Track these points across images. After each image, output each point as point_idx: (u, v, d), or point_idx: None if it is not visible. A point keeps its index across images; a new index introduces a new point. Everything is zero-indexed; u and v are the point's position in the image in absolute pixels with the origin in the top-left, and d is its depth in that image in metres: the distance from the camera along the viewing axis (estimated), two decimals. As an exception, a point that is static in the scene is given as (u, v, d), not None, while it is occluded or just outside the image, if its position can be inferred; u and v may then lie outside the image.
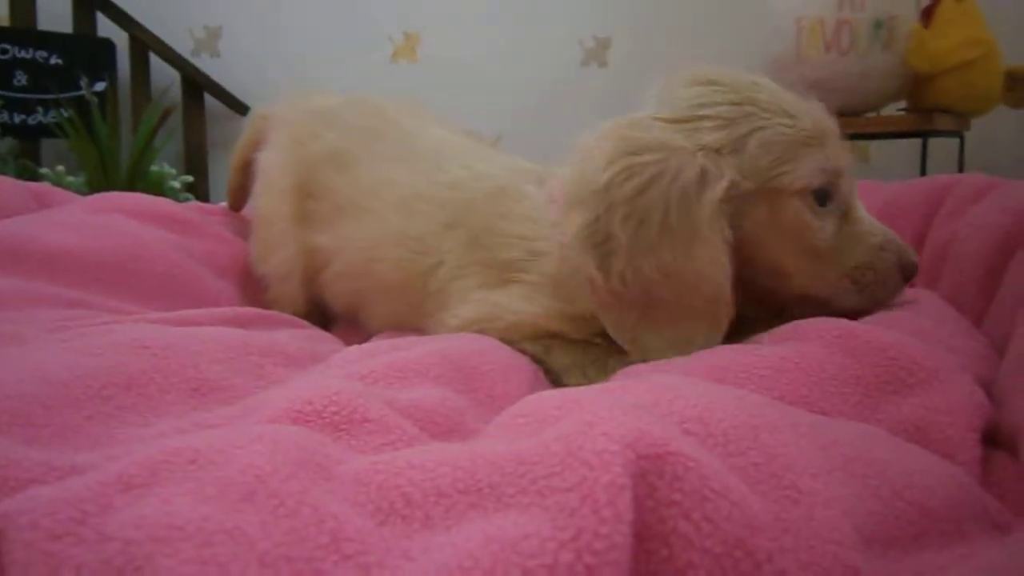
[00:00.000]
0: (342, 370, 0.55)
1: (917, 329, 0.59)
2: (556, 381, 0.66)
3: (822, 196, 0.62)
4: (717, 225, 0.59)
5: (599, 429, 0.33)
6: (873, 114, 1.60)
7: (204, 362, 0.54)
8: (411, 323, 0.78)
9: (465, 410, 0.51)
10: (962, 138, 1.70)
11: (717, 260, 0.59)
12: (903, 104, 1.62)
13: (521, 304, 0.66)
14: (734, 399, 0.40)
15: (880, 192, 1.03)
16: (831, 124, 0.64)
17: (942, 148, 1.77)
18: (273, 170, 0.93)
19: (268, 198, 0.94)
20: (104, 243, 0.87)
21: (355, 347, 0.66)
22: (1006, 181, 0.92)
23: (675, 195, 0.58)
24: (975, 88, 1.47)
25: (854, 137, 1.77)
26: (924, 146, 1.46)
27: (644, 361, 0.58)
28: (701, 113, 0.62)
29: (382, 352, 0.60)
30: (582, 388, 0.44)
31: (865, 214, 0.67)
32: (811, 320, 0.57)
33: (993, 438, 0.47)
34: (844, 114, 1.55)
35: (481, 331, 0.67)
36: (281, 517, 0.30)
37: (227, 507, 0.30)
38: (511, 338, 0.66)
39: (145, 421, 0.47)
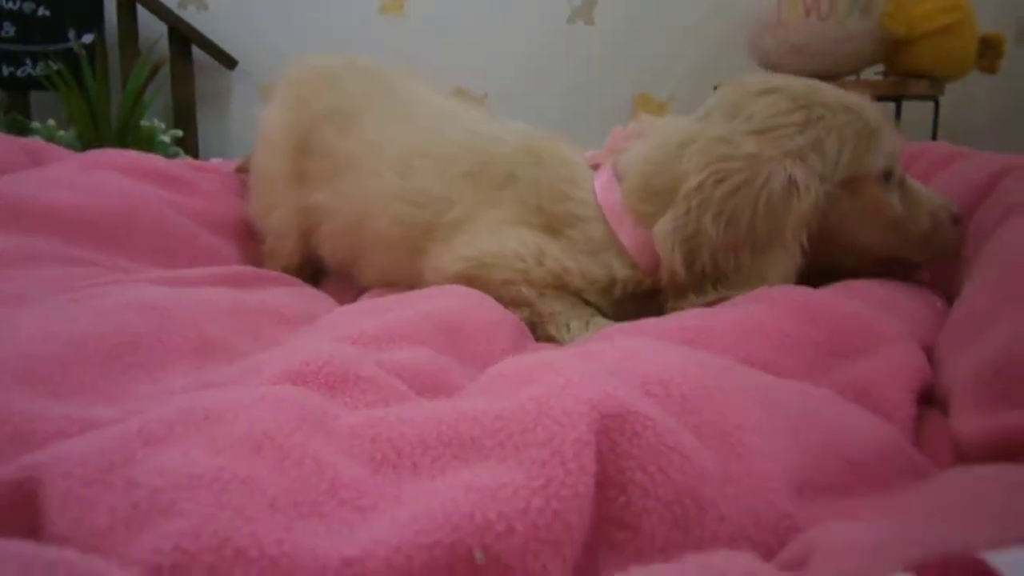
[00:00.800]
0: (334, 332, 0.58)
1: (879, 296, 0.64)
2: (540, 326, 0.71)
3: (888, 175, 0.70)
4: (799, 235, 0.66)
5: (569, 391, 0.37)
6: (852, 78, 1.62)
7: (205, 322, 0.58)
8: (405, 277, 0.80)
9: (450, 368, 0.55)
10: (936, 102, 1.73)
11: (788, 269, 0.66)
12: (880, 68, 1.64)
13: (561, 255, 0.71)
14: (695, 363, 0.44)
15: None
16: (882, 112, 0.72)
17: (917, 111, 1.80)
18: (274, 127, 0.95)
19: (268, 155, 0.96)
20: (99, 201, 0.89)
21: (345, 307, 0.70)
22: (969, 151, 0.95)
23: (763, 200, 0.64)
24: (950, 53, 1.49)
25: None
26: (898, 110, 1.49)
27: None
28: (779, 122, 0.68)
29: (371, 314, 0.63)
30: (557, 351, 0.48)
31: (912, 180, 0.75)
32: (782, 288, 0.62)
33: (930, 398, 0.52)
34: (822, 78, 1.58)
35: (494, 267, 0.71)
36: (287, 467, 0.34)
37: (239, 458, 0.34)
38: (524, 279, 0.71)
39: (153, 378, 0.50)
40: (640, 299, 0.72)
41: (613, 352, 0.45)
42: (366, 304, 0.70)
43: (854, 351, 0.53)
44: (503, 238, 0.72)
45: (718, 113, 0.71)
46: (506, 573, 0.30)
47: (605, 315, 0.72)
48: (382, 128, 0.87)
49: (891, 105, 1.52)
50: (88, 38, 1.96)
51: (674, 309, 0.66)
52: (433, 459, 0.36)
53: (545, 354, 0.48)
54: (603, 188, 0.73)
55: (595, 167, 0.77)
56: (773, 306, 0.58)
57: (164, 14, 2.05)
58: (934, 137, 1.81)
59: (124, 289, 0.63)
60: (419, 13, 2.23)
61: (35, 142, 1.14)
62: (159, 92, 2.05)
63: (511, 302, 0.70)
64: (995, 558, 0.25)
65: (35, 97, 1.99)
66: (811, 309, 0.56)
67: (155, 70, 1.98)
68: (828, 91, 0.71)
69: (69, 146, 1.72)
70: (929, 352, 0.55)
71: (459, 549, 0.30)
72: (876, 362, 0.51)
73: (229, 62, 2.18)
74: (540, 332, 0.71)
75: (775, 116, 0.68)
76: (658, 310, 0.68)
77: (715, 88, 1.71)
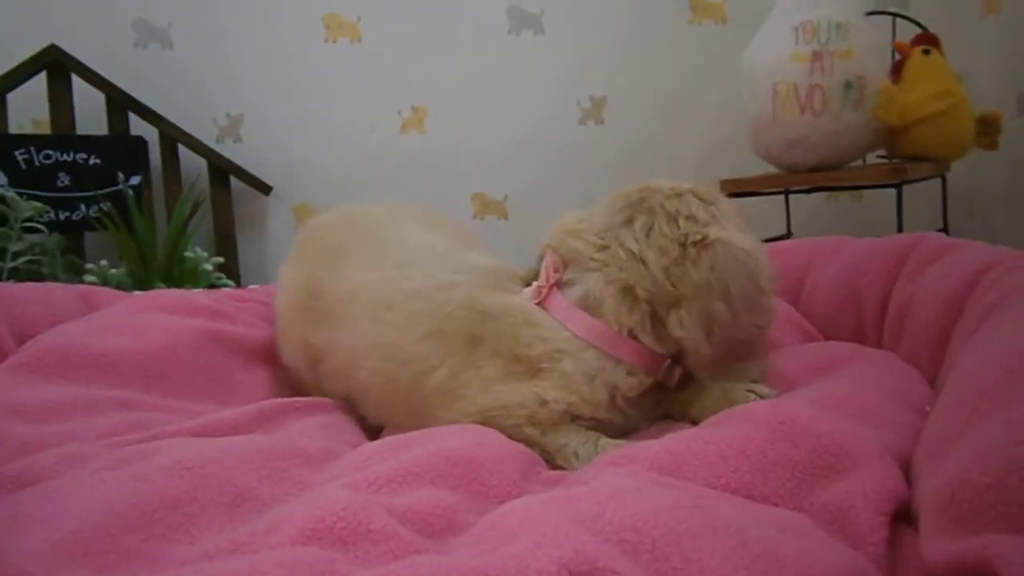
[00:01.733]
0: (351, 477, 0.64)
1: (860, 407, 0.67)
2: (550, 460, 0.75)
3: None
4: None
5: (544, 550, 0.42)
6: (858, 163, 1.67)
7: (237, 475, 0.64)
8: (404, 422, 0.83)
9: (457, 507, 0.59)
10: (944, 179, 1.77)
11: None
12: (883, 151, 1.69)
13: (560, 393, 0.75)
14: (669, 505, 0.48)
15: (848, 249, 1.08)
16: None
17: (925, 189, 1.84)
18: (285, 271, 1.03)
19: (281, 295, 1.03)
20: (145, 342, 0.97)
21: (365, 447, 0.75)
22: (962, 242, 0.96)
23: (746, 275, 0.76)
24: (948, 136, 1.53)
25: (833, 189, 1.85)
26: (899, 195, 1.52)
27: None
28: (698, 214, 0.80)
29: (388, 454, 0.68)
30: (542, 500, 0.52)
31: None
32: (764, 407, 0.65)
33: (907, 515, 0.55)
34: (825, 168, 1.64)
35: (500, 416, 0.75)
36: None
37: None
38: (529, 422, 0.75)
39: (191, 539, 0.56)
40: (647, 395, 0.78)
41: (592, 497, 0.50)
42: (383, 444, 0.75)
43: (831, 471, 0.56)
44: (500, 395, 0.76)
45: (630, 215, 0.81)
46: None
47: (616, 424, 0.77)
48: (361, 271, 0.90)
49: (892, 192, 1.56)
50: (135, 180, 2.12)
51: (708, 378, 0.78)
52: (430, 613, 0.41)
53: (528, 502, 0.52)
54: (572, 320, 0.77)
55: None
56: (756, 427, 0.61)
57: (203, 151, 2.21)
58: (944, 214, 1.85)
59: (165, 448, 0.69)
60: (439, 131, 2.37)
61: (88, 288, 1.24)
62: (201, 221, 2.20)
63: (522, 442, 0.73)
64: None
65: (88, 238, 2.14)
66: (789, 428, 0.60)
67: (196, 206, 2.12)
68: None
69: (120, 283, 1.84)
70: (909, 465, 0.58)
71: None
72: (851, 484, 0.54)
73: (264, 188, 2.32)
74: (552, 463, 0.75)
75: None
76: (664, 395, 0.80)
77: (720, 183, 1.78)
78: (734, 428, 0.62)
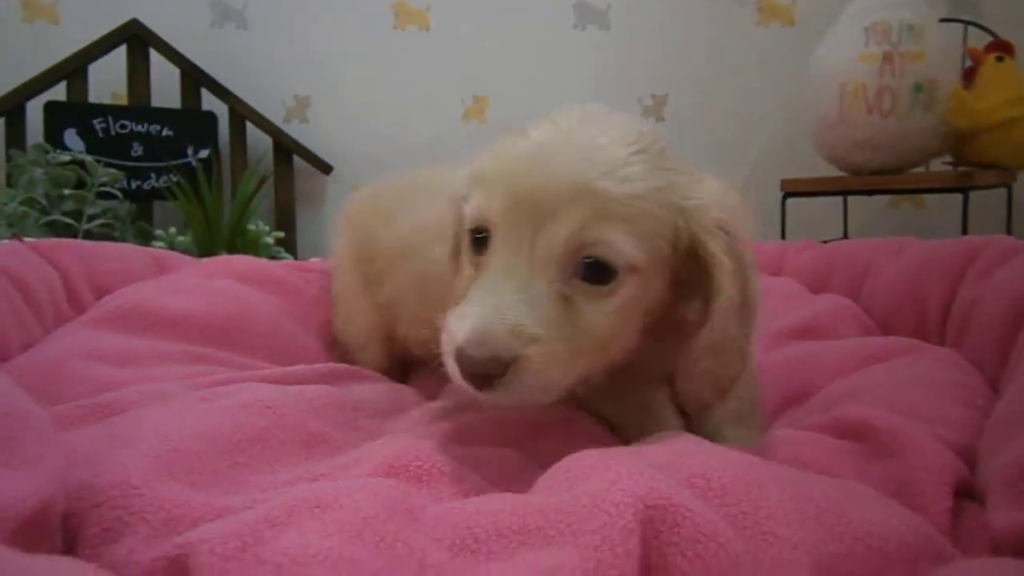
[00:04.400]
0: (421, 431, 0.66)
1: (909, 405, 0.67)
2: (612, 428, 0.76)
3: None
4: None
5: (619, 486, 0.43)
6: (921, 169, 1.65)
7: (311, 419, 0.67)
8: None
9: (523, 465, 0.62)
10: (1010, 189, 1.74)
11: None
12: (948, 158, 1.67)
13: None
14: (735, 459, 0.50)
15: (912, 249, 1.07)
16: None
17: (990, 199, 1.80)
18: (338, 253, 1.04)
19: (338, 277, 1.05)
20: (218, 307, 1.01)
21: (431, 405, 0.78)
22: None
23: None
24: (1018, 144, 1.50)
25: (898, 192, 1.83)
26: (965, 202, 1.50)
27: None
28: None
29: (454, 413, 0.71)
30: (612, 450, 0.54)
31: None
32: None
33: (971, 494, 0.55)
34: (887, 171, 1.62)
35: None
36: (383, 549, 0.41)
37: (345, 541, 0.42)
38: None
39: (271, 470, 0.59)
40: None
41: (662, 450, 0.51)
42: (450, 403, 0.77)
43: (889, 454, 0.57)
44: None
45: None
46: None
47: None
48: (419, 210, 0.90)
49: (958, 196, 1.54)
50: (204, 153, 2.19)
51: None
52: (504, 545, 0.43)
53: (602, 452, 0.54)
54: None
55: None
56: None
57: (270, 129, 2.27)
58: (1009, 224, 1.80)
59: (243, 389, 0.72)
60: (500, 120, 2.40)
61: (160, 251, 1.29)
62: (264, 196, 2.26)
63: None
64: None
65: (157, 206, 2.22)
66: (848, 423, 0.61)
67: (262, 182, 2.19)
68: None
69: (187, 249, 1.91)
70: (970, 450, 0.59)
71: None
72: (912, 459, 0.55)
73: (325, 168, 2.38)
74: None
75: None
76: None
77: (782, 182, 1.78)
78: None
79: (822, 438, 0.60)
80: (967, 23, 1.90)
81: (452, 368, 0.53)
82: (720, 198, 0.61)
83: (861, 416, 0.60)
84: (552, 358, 0.53)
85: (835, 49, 1.62)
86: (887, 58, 1.50)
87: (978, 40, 1.79)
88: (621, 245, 0.54)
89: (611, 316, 0.56)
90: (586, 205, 0.54)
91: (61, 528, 0.46)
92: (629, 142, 0.58)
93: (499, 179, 0.57)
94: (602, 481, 0.44)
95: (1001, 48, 1.60)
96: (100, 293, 1.06)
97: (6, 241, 1.08)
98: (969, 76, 1.59)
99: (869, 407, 0.62)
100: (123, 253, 1.20)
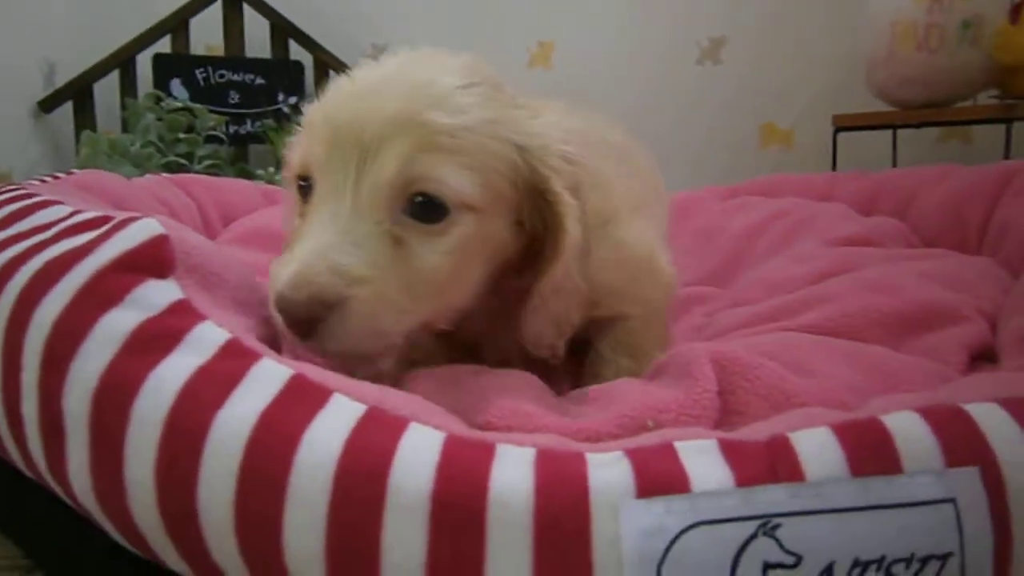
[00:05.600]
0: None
1: (958, 278, 0.80)
2: None
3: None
4: None
5: (695, 352, 0.58)
6: (969, 103, 1.75)
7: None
8: None
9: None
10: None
11: None
12: (995, 92, 1.76)
13: None
14: (780, 337, 0.67)
15: (956, 175, 1.16)
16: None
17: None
18: None
19: None
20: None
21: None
22: None
23: None
24: (1062, 79, 1.58)
25: (944, 124, 1.92)
26: (1008, 131, 1.59)
27: None
28: None
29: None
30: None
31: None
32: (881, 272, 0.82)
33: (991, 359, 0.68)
34: (935, 105, 1.72)
35: None
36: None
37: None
38: None
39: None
40: None
41: (728, 345, 0.63)
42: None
43: (932, 325, 0.71)
44: None
45: None
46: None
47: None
48: None
49: (1003, 134, 1.63)
50: (293, 99, 2.38)
51: None
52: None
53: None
54: None
55: None
56: (877, 292, 0.77)
57: (350, 76, 2.45)
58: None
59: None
60: (564, 64, 2.53)
61: (266, 186, 1.47)
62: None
63: None
64: (970, 407, 0.39)
65: (252, 149, 2.43)
66: (907, 293, 0.76)
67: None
68: None
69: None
70: (994, 318, 0.72)
71: (640, 420, 0.50)
72: (945, 333, 0.69)
73: (399, 113, 2.55)
74: None
75: None
76: None
77: (834, 118, 1.88)
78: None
79: (879, 303, 0.73)
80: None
81: (277, 319, 0.50)
82: (563, 131, 0.58)
83: (916, 291, 0.76)
84: (382, 301, 0.49)
85: (887, -10, 1.71)
86: (936, -4, 1.59)
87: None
88: (451, 179, 0.50)
89: (446, 257, 0.52)
90: (411, 138, 0.50)
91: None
92: (460, 75, 0.55)
93: (320, 121, 0.53)
94: (690, 350, 0.59)
95: (1048, -15, 1.66)
96: (226, 221, 1.24)
97: (149, 176, 1.28)
98: (1016, 12, 1.67)
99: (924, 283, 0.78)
100: (240, 187, 1.39)
